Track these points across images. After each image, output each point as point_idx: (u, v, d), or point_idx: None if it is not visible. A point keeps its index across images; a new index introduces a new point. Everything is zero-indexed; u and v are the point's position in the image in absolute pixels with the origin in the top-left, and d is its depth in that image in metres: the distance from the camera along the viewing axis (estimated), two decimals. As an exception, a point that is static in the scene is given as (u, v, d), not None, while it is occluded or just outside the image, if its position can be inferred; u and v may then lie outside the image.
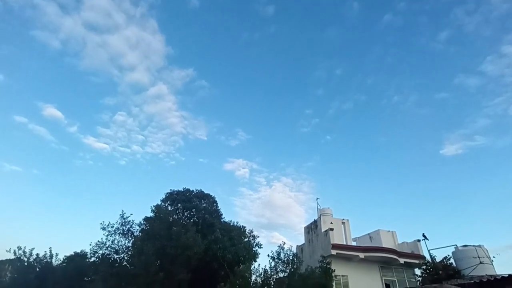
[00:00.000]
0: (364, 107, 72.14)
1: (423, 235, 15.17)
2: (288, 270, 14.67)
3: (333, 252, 17.71)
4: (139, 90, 77.35)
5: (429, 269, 13.41)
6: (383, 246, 19.81)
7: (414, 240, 20.56)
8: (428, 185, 65.57)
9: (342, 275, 17.84)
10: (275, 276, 14.93)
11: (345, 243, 20.03)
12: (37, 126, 67.78)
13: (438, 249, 14.77)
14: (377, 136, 71.50)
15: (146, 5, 72.08)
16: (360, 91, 73.13)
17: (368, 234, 22.64)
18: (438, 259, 14.16)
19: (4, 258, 24.63)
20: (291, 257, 15.16)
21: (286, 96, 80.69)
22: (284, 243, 15.82)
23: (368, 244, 21.09)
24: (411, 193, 69.41)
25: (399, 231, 22.62)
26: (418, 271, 17.11)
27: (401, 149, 69.62)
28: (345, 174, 76.39)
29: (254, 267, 15.64)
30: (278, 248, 15.51)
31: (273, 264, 15.18)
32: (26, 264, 19.39)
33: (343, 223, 21.42)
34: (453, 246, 14.05)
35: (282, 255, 15.15)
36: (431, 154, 66.15)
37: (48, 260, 19.96)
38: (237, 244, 17.65)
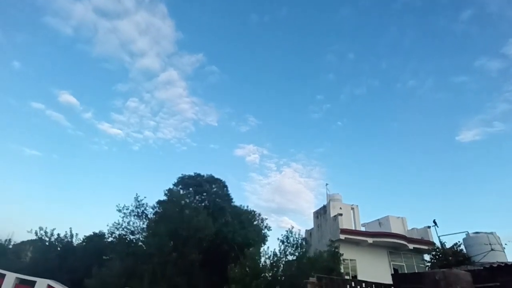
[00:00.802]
0: (377, 92, 70.33)
1: (434, 222, 15.10)
2: (297, 254, 14.97)
3: (342, 236, 17.91)
4: (150, 76, 77.82)
5: (438, 255, 13.42)
6: (392, 231, 19.87)
7: (424, 227, 20.51)
8: (442, 172, 64.40)
9: (350, 259, 18.12)
10: (284, 259, 15.29)
11: (354, 228, 20.19)
12: (54, 112, 69.76)
13: (449, 235, 14.73)
14: (390, 122, 69.99)
15: None
16: (374, 76, 71.13)
17: (378, 219, 22.73)
18: (448, 246, 14.13)
19: (25, 239, 25.98)
20: (300, 241, 15.44)
21: (297, 81, 79.44)
22: (293, 227, 16.10)
23: (377, 229, 21.20)
24: (423, 179, 68.49)
25: (409, 218, 22.63)
26: (427, 257, 17.15)
27: (415, 135, 68.03)
28: (356, 160, 75.78)
29: (264, 249, 16.06)
30: (287, 232, 15.80)
31: (282, 247, 15.53)
32: (47, 244, 20.28)
33: (352, 208, 21.53)
34: (464, 233, 13.95)
35: (291, 239, 15.44)
36: (447, 140, 64.56)
37: (69, 240, 20.87)
38: (247, 227, 18.07)
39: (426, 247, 18.64)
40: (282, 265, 14.97)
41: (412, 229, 21.43)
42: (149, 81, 77.19)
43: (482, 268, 7.58)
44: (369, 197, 70.47)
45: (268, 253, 15.59)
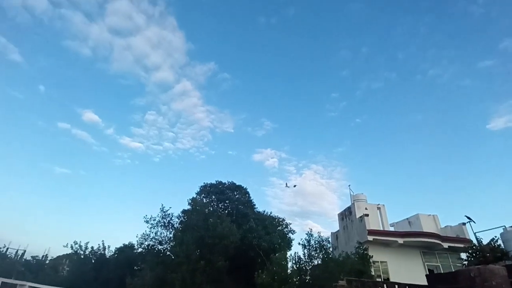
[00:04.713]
0: (395, 84, 67.82)
1: (467, 217, 14.29)
2: (321, 256, 14.74)
3: (370, 238, 17.40)
4: (165, 88, 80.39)
5: (475, 253, 12.65)
6: (424, 230, 19.04)
7: (459, 224, 19.48)
8: (473, 164, 60.68)
9: (381, 261, 17.51)
10: (310, 263, 15.09)
11: (382, 229, 19.55)
12: (79, 130, 73.78)
13: (486, 231, 13.84)
14: (412, 115, 66.93)
15: (163, 3, 73.95)
16: (391, 68, 68.85)
17: (407, 219, 21.90)
18: (485, 242, 13.30)
19: (61, 254, 27.37)
20: (322, 243, 15.20)
21: (310, 80, 78.50)
22: (311, 229, 15.89)
23: (407, 229, 20.39)
24: (453, 173, 64.69)
25: (441, 215, 21.58)
26: (464, 255, 16.25)
27: (440, 127, 64.46)
28: (378, 158, 73.17)
29: (290, 254, 15.97)
30: (306, 235, 15.63)
31: (305, 251, 15.36)
32: (82, 257, 21.28)
33: (378, 208, 20.89)
34: (502, 227, 13.08)
35: (312, 242, 15.23)
36: (475, 129, 60.79)
37: (102, 252, 21.79)
38: (272, 233, 18.04)
39: (462, 245, 17.62)
40: (309, 269, 14.78)
41: (446, 226, 20.40)
42: (165, 93, 79.87)
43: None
44: (396, 195, 67.71)
45: (294, 258, 15.51)
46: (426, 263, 18.23)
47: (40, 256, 26.01)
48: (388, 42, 68.29)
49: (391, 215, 21.66)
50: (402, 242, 17.72)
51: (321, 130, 79.13)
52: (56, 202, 74.17)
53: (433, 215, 21.11)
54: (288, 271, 14.76)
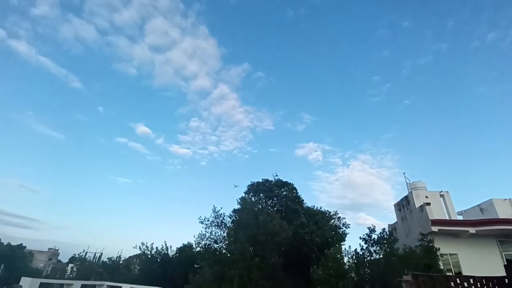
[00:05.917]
0: (447, 56, 60.80)
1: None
2: (382, 251, 13.96)
3: (434, 228, 15.98)
4: (204, 95, 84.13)
5: None
6: (500, 217, 16.89)
7: (544, 207, 16.84)
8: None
9: (450, 254, 15.99)
10: (369, 258, 14.42)
11: (447, 218, 17.84)
12: (135, 143, 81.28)
13: None
14: (471, 87, 59.42)
15: (194, 14, 77.13)
16: (439, 39, 61.99)
17: (478, 205, 19.65)
18: None
19: (132, 254, 30.27)
20: (385, 236, 14.40)
21: (348, 66, 74.83)
22: (374, 226, 15.14)
23: (478, 217, 18.31)
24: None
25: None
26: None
27: (509, 97, 55.93)
28: (434, 140, 66.61)
29: (345, 248, 15.46)
30: (369, 229, 14.95)
31: (365, 246, 14.72)
32: (149, 256, 23.33)
33: (441, 196, 19.10)
34: None
35: (374, 236, 14.52)
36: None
37: (165, 252, 23.64)
38: (323, 228, 17.67)
39: (549, 231, 15.22)
40: (367, 264, 14.14)
41: (527, 211, 17.80)
42: (204, 99, 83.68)
43: None
44: (460, 180, 60.84)
45: (350, 253, 14.99)
46: (504, 253, 16.18)
47: (115, 257, 29.09)
48: (433, 9, 61.44)
49: (458, 203, 19.66)
50: (474, 231, 15.94)
51: (365, 117, 75.02)
52: (123, 208, 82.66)
53: (510, 199, 18.59)
54: (345, 266, 14.30)
